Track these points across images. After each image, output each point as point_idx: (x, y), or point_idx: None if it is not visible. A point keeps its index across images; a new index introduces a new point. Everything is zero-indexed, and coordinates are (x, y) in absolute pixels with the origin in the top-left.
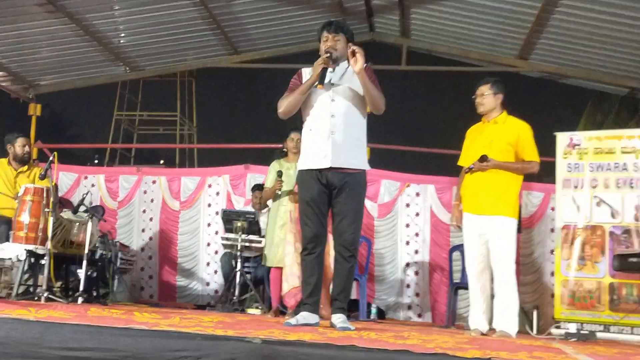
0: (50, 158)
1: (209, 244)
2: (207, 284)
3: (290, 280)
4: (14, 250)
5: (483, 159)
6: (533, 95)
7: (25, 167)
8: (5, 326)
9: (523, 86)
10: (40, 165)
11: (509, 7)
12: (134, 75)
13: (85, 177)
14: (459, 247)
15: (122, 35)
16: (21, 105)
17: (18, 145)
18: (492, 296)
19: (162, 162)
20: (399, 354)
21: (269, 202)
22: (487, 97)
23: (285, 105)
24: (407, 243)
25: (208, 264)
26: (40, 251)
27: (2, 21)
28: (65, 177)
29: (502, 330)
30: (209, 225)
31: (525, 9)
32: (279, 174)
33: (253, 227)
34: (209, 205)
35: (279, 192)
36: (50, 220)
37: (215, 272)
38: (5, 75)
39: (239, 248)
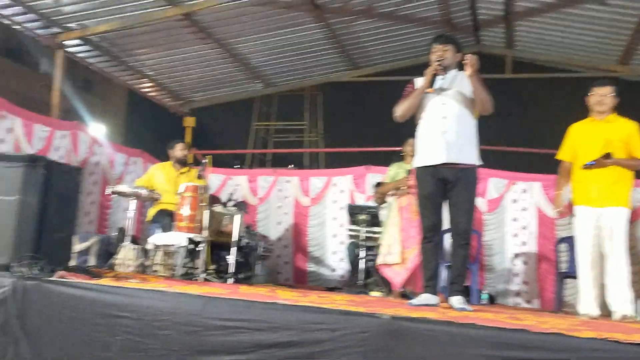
0: (204, 161)
1: (334, 235)
2: (334, 270)
3: (389, 258)
4: (177, 238)
5: (608, 156)
6: (634, 97)
7: (186, 169)
8: (175, 299)
9: (623, 90)
10: (196, 168)
11: (609, 16)
12: (269, 91)
13: (231, 178)
14: (567, 240)
15: (259, 56)
16: (178, 118)
17: (178, 149)
18: (602, 285)
19: (290, 165)
20: (517, 332)
21: (388, 198)
22: (609, 98)
23: (401, 109)
24: (515, 235)
25: (334, 252)
26: (197, 239)
27: (162, 47)
28: (214, 178)
29: (624, 315)
30: (334, 218)
31: (625, 17)
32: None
33: (374, 220)
34: (334, 201)
35: (403, 189)
36: (206, 212)
37: (341, 259)
38: (165, 93)
39: (362, 238)
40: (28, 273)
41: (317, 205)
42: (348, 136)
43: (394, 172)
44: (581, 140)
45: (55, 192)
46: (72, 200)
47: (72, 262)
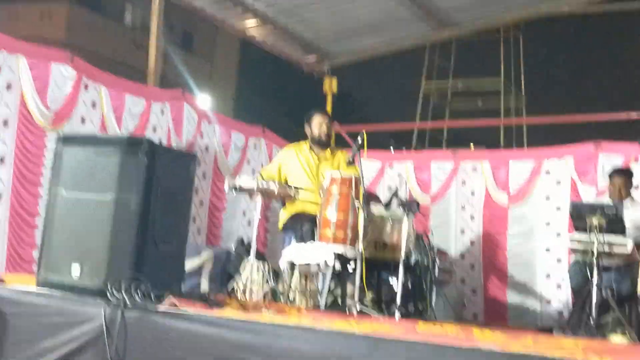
0: (359, 139)
1: (548, 250)
2: (548, 302)
3: None
4: (321, 254)
5: None
6: None
7: (328, 152)
8: (326, 339)
9: None
10: (344, 151)
11: None
12: (445, 34)
13: (391, 166)
14: None
15: None
16: (313, 81)
17: (315, 124)
18: None
19: (472, 145)
20: None
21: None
22: None
23: None
24: None
25: (548, 275)
26: (349, 254)
27: None
28: (366, 166)
29: None
30: (547, 224)
31: None
32: None
33: (614, 225)
34: (547, 197)
35: None
36: (361, 216)
37: (559, 286)
38: (295, 44)
39: (594, 253)
40: (128, 301)
41: (521, 203)
42: (564, 98)
43: None
44: None
45: (163, 188)
46: (184, 200)
47: (184, 286)
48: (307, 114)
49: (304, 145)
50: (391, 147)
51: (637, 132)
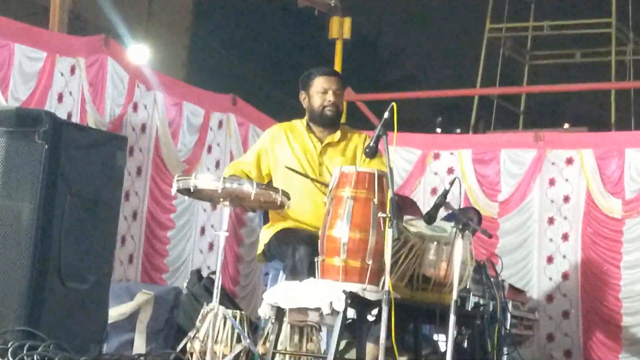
0: (386, 115)
1: None
2: None
3: None
4: (325, 294)
5: None
6: None
7: (337, 135)
8: None
9: None
10: (363, 133)
11: None
12: None
13: (437, 157)
14: None
15: None
16: (314, 21)
17: (315, 90)
18: None
19: (567, 124)
20: None
21: None
22: None
23: None
24: None
25: None
26: (370, 295)
27: None
28: (398, 156)
29: None
30: None
31: None
32: None
33: None
34: None
35: None
36: (389, 235)
37: None
38: None
39: None
40: None
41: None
42: None
43: None
44: None
45: (73, 191)
46: (108, 210)
47: (107, 345)
48: (304, 75)
49: (299, 125)
50: (438, 128)
51: None
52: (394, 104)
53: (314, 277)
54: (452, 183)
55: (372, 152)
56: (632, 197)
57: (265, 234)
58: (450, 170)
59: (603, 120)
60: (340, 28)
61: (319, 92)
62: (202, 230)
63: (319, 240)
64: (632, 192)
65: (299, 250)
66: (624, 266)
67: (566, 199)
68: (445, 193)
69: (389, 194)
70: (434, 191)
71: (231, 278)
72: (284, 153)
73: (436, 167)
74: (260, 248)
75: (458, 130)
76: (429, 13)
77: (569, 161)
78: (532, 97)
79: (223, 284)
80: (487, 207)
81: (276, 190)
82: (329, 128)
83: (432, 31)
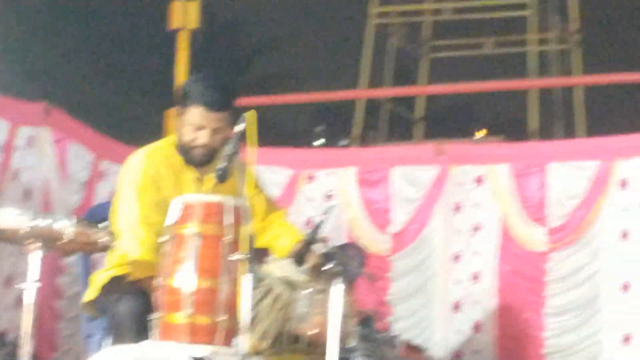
0: (239, 127)
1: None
2: None
3: None
4: None
5: None
6: None
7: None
8: None
9: None
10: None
11: None
12: None
13: (312, 177)
14: None
15: None
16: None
17: (187, 121)
18: None
19: (479, 133)
20: None
21: None
22: None
23: None
24: None
25: None
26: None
27: None
28: (267, 176)
29: None
30: (624, 288)
31: None
32: None
33: None
34: (624, 234)
35: None
36: (246, 282)
37: None
38: None
39: None
40: None
41: (572, 247)
42: None
43: None
44: None
45: None
46: None
47: None
48: (184, 87)
49: (167, 150)
50: (319, 140)
51: None
52: (249, 113)
53: (147, 338)
54: (327, 213)
55: (224, 175)
56: (559, 225)
57: (97, 282)
58: (329, 196)
59: (522, 128)
60: (184, 15)
61: (192, 125)
62: (7, 281)
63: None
64: (558, 219)
65: (123, 303)
66: (549, 313)
67: (476, 228)
68: (318, 226)
69: (246, 230)
70: (308, 223)
71: (47, 342)
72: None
73: (311, 191)
74: (87, 299)
75: (344, 143)
76: None
77: (479, 180)
78: (433, 99)
79: (36, 351)
80: (376, 241)
81: (103, 228)
82: (201, 166)
83: (308, 18)
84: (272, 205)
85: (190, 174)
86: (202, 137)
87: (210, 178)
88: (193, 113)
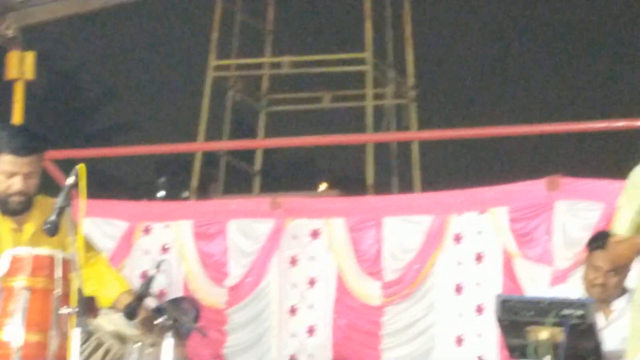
0: (70, 179)
1: None
2: None
3: None
4: None
5: None
6: None
7: (37, 212)
8: None
9: None
10: (49, 200)
11: None
12: None
13: (147, 230)
14: None
15: None
16: None
17: (1, 173)
18: None
19: (323, 185)
20: None
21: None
22: None
23: None
24: None
25: None
26: None
27: None
28: (99, 230)
29: None
30: (458, 342)
31: None
32: None
33: (581, 343)
34: (457, 289)
35: None
36: (76, 335)
37: None
38: None
39: None
40: None
41: (406, 301)
42: (489, 101)
43: None
44: None
45: None
46: None
47: None
48: None
49: None
50: (160, 192)
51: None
52: (79, 165)
53: None
54: (159, 266)
55: (53, 229)
56: (394, 279)
57: None
58: (165, 249)
59: (361, 181)
60: (20, 65)
61: (3, 173)
62: None
63: None
64: (393, 272)
65: None
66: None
67: (312, 282)
68: (150, 280)
69: (76, 283)
70: (143, 276)
71: None
72: None
73: (147, 244)
74: None
75: (185, 195)
76: (140, 45)
77: (315, 234)
78: (273, 152)
79: None
80: (212, 294)
81: None
82: (18, 216)
83: (149, 70)
84: (91, 248)
85: (7, 225)
86: (16, 184)
87: (29, 228)
88: (3, 161)
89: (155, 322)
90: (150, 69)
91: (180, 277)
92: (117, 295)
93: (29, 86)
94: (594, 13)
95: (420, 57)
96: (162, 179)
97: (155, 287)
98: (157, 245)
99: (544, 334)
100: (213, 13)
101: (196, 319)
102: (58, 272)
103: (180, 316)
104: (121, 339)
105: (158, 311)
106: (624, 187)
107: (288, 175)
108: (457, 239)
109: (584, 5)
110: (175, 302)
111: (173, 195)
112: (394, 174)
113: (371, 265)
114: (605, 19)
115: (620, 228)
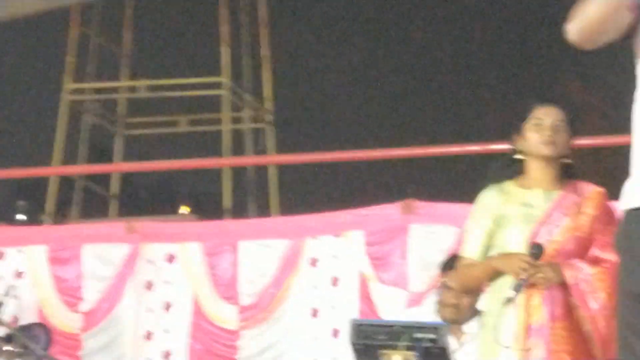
0: None
1: None
2: None
3: None
4: None
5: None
6: None
7: None
8: None
9: None
10: None
11: None
12: None
13: (1, 255)
14: None
15: None
16: None
17: None
18: None
19: (184, 209)
20: None
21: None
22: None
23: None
24: None
25: None
26: None
27: None
28: None
29: None
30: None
31: None
32: (535, 250)
33: None
34: (314, 313)
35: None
36: None
37: None
38: None
39: None
40: None
41: (261, 324)
42: (349, 115)
43: (494, 215)
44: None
45: None
46: None
47: None
48: None
49: None
50: (20, 215)
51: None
52: None
53: None
54: (9, 293)
55: None
56: (250, 303)
57: None
58: (19, 274)
59: (219, 205)
60: None
61: None
62: None
63: None
64: (249, 297)
65: None
66: None
67: (168, 306)
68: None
69: None
70: None
71: None
72: None
73: (0, 269)
74: None
75: (43, 219)
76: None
77: (170, 258)
78: (132, 176)
79: None
80: (67, 320)
81: None
82: None
83: (5, 92)
84: None
85: None
86: None
87: None
88: None
89: (3, 349)
90: (7, 92)
91: (35, 303)
92: None
93: None
94: (453, 33)
95: (278, 81)
96: (22, 203)
97: (5, 314)
98: (11, 270)
99: (397, 357)
100: (68, 36)
101: (47, 345)
102: None
103: (30, 343)
104: None
105: (7, 339)
106: (471, 211)
107: (148, 199)
108: (313, 262)
109: (447, 26)
110: (26, 328)
111: (32, 219)
112: (251, 198)
113: (227, 289)
114: (466, 43)
115: (469, 251)
